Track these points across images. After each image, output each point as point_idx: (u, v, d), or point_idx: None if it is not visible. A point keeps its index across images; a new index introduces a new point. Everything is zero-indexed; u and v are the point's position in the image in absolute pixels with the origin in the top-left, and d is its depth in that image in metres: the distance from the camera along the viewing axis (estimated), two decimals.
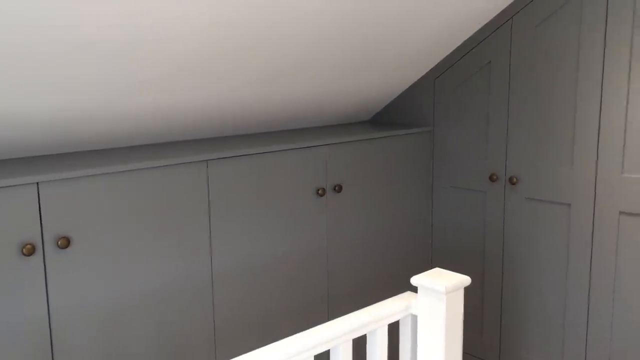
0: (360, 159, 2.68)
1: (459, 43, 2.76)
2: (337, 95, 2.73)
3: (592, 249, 2.48)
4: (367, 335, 1.66)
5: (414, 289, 2.98)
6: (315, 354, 1.50)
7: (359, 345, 2.75)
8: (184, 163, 2.05)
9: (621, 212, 2.38)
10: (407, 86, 2.99)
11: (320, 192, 2.50)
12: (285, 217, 2.39)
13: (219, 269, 2.20)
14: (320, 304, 2.56)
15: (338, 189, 2.58)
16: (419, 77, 2.94)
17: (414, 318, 1.72)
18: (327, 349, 1.55)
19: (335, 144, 2.56)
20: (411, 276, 2.98)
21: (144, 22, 1.63)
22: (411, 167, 2.92)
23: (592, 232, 2.47)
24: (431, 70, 2.90)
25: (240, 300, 2.27)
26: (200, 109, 2.26)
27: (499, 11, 2.60)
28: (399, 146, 2.84)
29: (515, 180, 2.67)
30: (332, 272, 2.61)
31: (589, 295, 2.51)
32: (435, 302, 1.62)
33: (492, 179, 2.74)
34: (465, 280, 1.65)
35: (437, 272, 1.70)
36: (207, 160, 2.12)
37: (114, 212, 1.89)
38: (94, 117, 1.98)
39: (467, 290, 2.94)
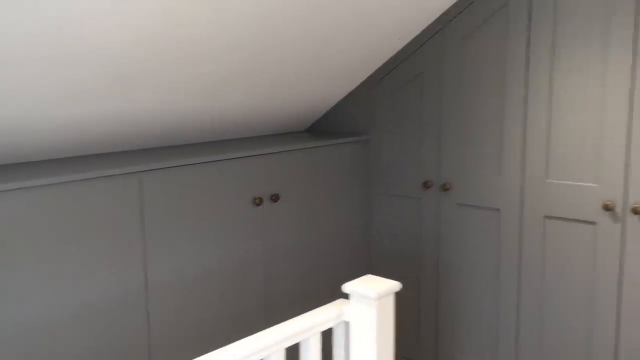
0: (297, 168, 2.70)
1: (392, 54, 2.82)
2: (273, 105, 2.75)
3: (520, 251, 2.58)
4: (301, 344, 1.68)
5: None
6: None
7: (294, 354, 2.76)
8: (116, 175, 2.02)
9: (546, 216, 2.49)
10: (342, 96, 3.04)
11: (257, 201, 2.51)
12: (222, 227, 2.38)
13: (155, 281, 2.17)
14: (258, 314, 2.56)
15: (275, 198, 2.59)
16: (354, 87, 2.99)
17: (347, 325, 1.75)
18: (260, 359, 1.55)
19: (271, 153, 2.58)
20: None
21: (78, 30, 1.60)
22: (348, 176, 2.96)
23: (520, 236, 2.57)
24: (366, 80, 2.95)
25: (176, 312, 2.25)
26: (135, 119, 2.23)
27: (429, 23, 2.68)
28: (335, 155, 2.88)
29: (448, 186, 2.75)
30: (270, 282, 2.62)
31: (518, 296, 2.61)
32: (367, 308, 1.65)
33: (426, 185, 2.81)
34: (396, 285, 1.70)
35: (368, 278, 1.74)
36: (140, 172, 2.10)
37: (44, 226, 1.84)
38: (18, 129, 1.93)
39: (404, 294, 2.99)
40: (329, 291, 2.89)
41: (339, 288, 1.72)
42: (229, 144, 2.67)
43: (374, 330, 1.65)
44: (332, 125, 3.13)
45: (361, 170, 3.02)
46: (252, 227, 2.50)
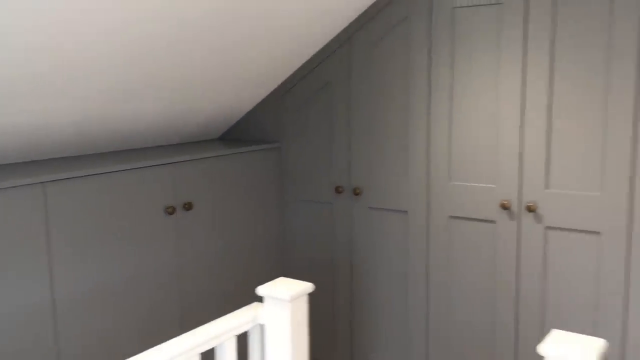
0: (210, 176, 2.69)
1: (300, 63, 2.89)
2: (184, 114, 2.73)
3: (427, 251, 2.70)
4: (216, 348, 1.68)
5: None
6: None
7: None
8: (19, 186, 1.94)
9: (450, 216, 2.62)
10: (254, 104, 3.07)
11: (169, 210, 2.48)
12: (133, 237, 2.34)
13: (62, 295, 2.09)
14: (172, 324, 2.53)
15: (188, 206, 2.57)
16: (265, 95, 3.03)
17: (262, 327, 1.77)
18: None
19: (183, 161, 2.56)
20: None
21: None
22: (261, 183, 2.98)
23: (427, 236, 2.69)
24: (277, 88, 3.00)
25: (86, 325, 2.18)
26: (41, 128, 2.15)
27: (335, 34, 2.77)
28: (248, 163, 2.90)
29: (358, 191, 2.83)
30: (185, 290, 2.59)
31: (427, 294, 2.73)
32: (280, 310, 1.68)
33: (338, 190, 2.89)
34: (308, 287, 1.74)
35: (281, 281, 1.77)
36: (44, 182, 2.02)
37: None
38: None
39: (319, 298, 3.05)
40: (245, 297, 2.91)
41: (254, 294, 1.74)
42: (139, 153, 2.63)
43: (288, 331, 1.68)
44: (244, 133, 3.14)
45: (273, 177, 3.05)
46: (165, 236, 2.47)
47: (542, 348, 1.34)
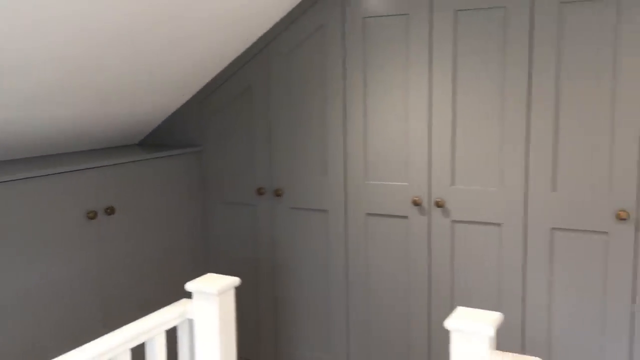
0: (132, 180, 2.71)
1: (220, 69, 2.96)
2: (103, 119, 2.74)
3: (346, 247, 2.85)
4: (146, 343, 1.73)
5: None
6: None
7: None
8: None
9: (367, 214, 2.78)
10: (174, 109, 3.11)
11: (90, 215, 2.48)
12: (55, 243, 2.32)
13: None
14: (96, 329, 2.52)
15: (110, 211, 2.58)
16: (186, 100, 3.08)
17: (190, 322, 1.84)
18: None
19: (105, 166, 2.57)
20: None
21: None
22: (183, 186, 3.03)
23: (346, 233, 2.84)
24: (198, 92, 3.06)
25: (9, 332, 2.15)
26: None
27: (253, 41, 2.87)
28: (169, 167, 2.94)
29: (280, 192, 2.94)
30: (108, 295, 2.59)
31: (347, 289, 2.87)
32: (209, 303, 1.76)
33: (260, 192, 2.99)
34: (235, 281, 1.82)
35: (209, 276, 1.85)
36: None
37: None
38: None
39: (243, 296, 3.13)
40: (168, 301, 2.93)
41: (179, 297, 1.81)
42: (59, 158, 2.61)
43: (216, 324, 1.76)
44: (164, 138, 3.17)
45: (196, 180, 3.11)
46: (87, 241, 2.47)
47: (448, 323, 1.50)
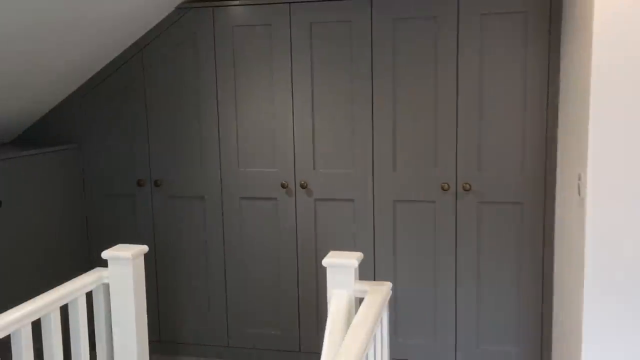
0: (10, 178, 2.80)
1: (98, 69, 3.18)
2: None
3: (223, 229, 3.21)
4: (69, 304, 1.97)
5: None
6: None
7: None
8: None
9: (241, 198, 3.18)
10: (50, 108, 3.25)
11: None
12: None
13: None
14: None
15: None
16: (62, 98, 3.24)
17: (106, 286, 2.10)
18: (39, 317, 1.80)
19: None
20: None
21: None
22: (64, 180, 3.18)
23: (222, 216, 3.21)
24: (76, 91, 3.24)
25: None
26: None
27: (132, 42, 3.14)
28: (49, 162, 3.08)
29: (159, 182, 3.23)
30: None
31: (225, 268, 3.24)
32: (124, 268, 2.04)
33: (140, 183, 3.24)
34: (144, 248, 2.13)
35: (121, 246, 2.13)
36: None
37: None
38: None
39: None
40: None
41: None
42: None
43: (131, 285, 2.04)
44: (42, 136, 3.30)
45: (76, 174, 3.27)
46: None
47: (325, 260, 1.97)
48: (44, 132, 3.29)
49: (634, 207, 1.96)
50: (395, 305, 3.06)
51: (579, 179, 2.15)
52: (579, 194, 2.14)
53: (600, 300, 2.02)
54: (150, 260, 3.30)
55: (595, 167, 1.98)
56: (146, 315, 2.17)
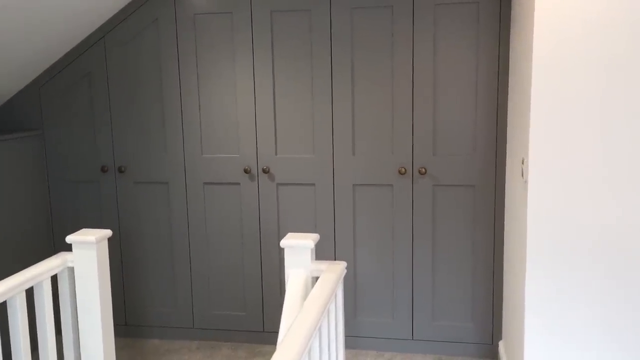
0: None
1: (60, 56, 3.19)
2: None
3: (187, 213, 3.28)
4: (35, 287, 2.03)
5: None
6: None
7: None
8: None
9: (204, 183, 3.25)
10: (12, 94, 3.25)
11: None
12: None
13: None
14: None
15: None
16: (24, 85, 3.24)
17: (71, 270, 2.16)
18: (4, 300, 1.85)
19: None
20: None
21: None
22: (25, 168, 3.20)
23: (187, 201, 3.27)
24: (38, 78, 3.25)
25: None
26: None
27: (92, 31, 3.16)
28: (12, 149, 3.10)
29: (123, 168, 3.27)
30: None
31: (189, 252, 3.31)
32: (88, 251, 2.10)
33: (104, 170, 3.28)
34: (108, 232, 2.19)
35: (85, 231, 2.18)
36: None
37: None
38: None
39: None
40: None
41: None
42: None
43: (95, 269, 2.11)
44: (4, 122, 3.30)
45: (38, 161, 3.29)
46: None
47: (283, 242, 2.06)
48: (6, 119, 3.30)
49: (570, 189, 2.10)
50: (355, 286, 3.18)
51: (522, 163, 2.28)
52: (523, 176, 2.28)
53: (540, 275, 2.17)
54: (115, 246, 3.35)
55: (536, 152, 2.12)
56: (111, 299, 2.24)
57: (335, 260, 3.16)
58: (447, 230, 3.06)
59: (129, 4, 3.13)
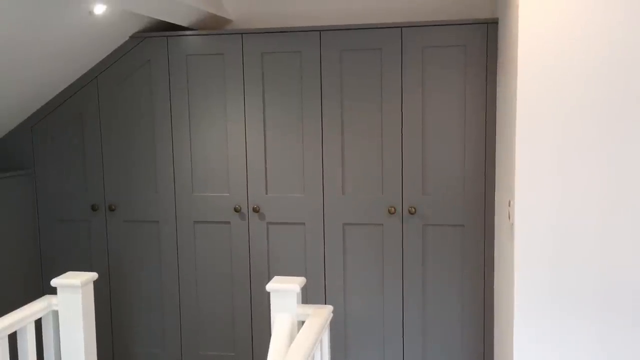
0: None
1: (52, 96, 3.22)
2: None
3: (177, 252, 3.27)
4: (18, 332, 2.01)
5: None
6: None
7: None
8: None
9: (195, 222, 3.24)
10: (4, 133, 3.27)
11: None
12: None
13: None
14: None
15: None
16: (15, 125, 3.26)
17: (55, 314, 2.15)
18: None
19: None
20: None
21: None
22: (15, 207, 3.19)
23: (177, 240, 3.27)
24: (29, 118, 3.27)
25: None
26: None
27: (83, 72, 3.19)
28: (2, 188, 3.10)
29: (113, 207, 3.27)
30: None
31: (179, 287, 3.29)
32: (73, 294, 2.09)
33: (94, 208, 3.28)
34: (94, 275, 2.18)
35: (70, 274, 2.17)
36: None
37: None
38: None
39: None
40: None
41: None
42: None
43: (80, 312, 2.09)
44: None
45: (27, 201, 3.29)
46: None
47: (268, 286, 2.05)
48: None
49: (557, 233, 2.11)
50: (345, 325, 3.16)
51: (509, 205, 2.29)
52: (509, 219, 2.29)
53: (528, 316, 2.16)
54: (104, 285, 3.33)
55: (522, 195, 2.13)
56: (95, 344, 2.22)
57: (325, 300, 3.15)
58: (438, 270, 3.05)
59: (122, 45, 3.17)
